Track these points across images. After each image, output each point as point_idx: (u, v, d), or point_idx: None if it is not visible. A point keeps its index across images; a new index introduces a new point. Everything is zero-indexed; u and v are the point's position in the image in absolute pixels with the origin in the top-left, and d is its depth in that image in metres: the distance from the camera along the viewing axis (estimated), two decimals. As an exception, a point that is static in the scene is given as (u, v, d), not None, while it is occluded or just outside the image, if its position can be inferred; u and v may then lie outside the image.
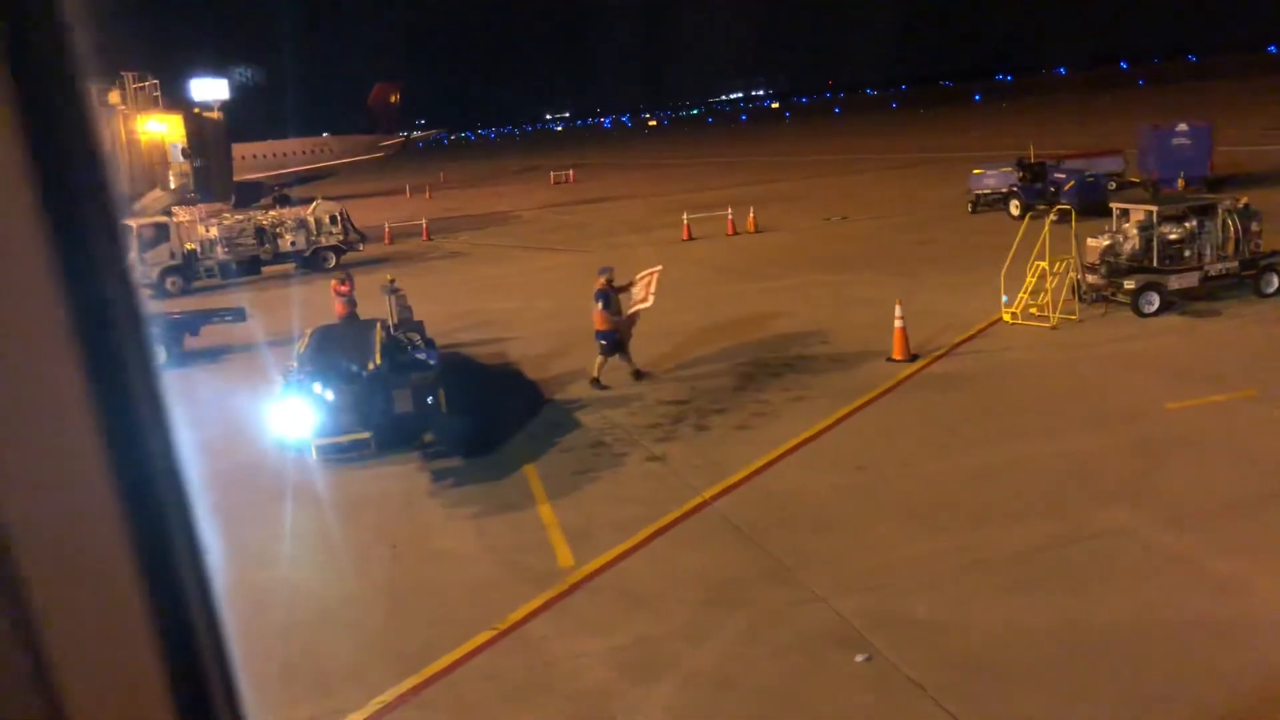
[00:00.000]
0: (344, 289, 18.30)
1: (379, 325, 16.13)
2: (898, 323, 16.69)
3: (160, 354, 21.84)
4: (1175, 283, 18.00)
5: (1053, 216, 26.54)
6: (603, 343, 16.50)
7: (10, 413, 1.00)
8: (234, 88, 46.56)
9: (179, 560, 1.14)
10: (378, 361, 13.36)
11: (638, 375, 16.75)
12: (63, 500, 1.04)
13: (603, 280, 16.50)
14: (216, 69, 46.42)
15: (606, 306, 16.27)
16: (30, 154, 0.99)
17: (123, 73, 40.66)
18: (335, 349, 14.12)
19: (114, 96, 40.74)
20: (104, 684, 1.08)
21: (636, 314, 16.63)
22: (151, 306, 27.87)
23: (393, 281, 16.67)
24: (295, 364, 13.98)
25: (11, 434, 1.00)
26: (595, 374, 16.57)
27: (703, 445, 13.77)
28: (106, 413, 1.06)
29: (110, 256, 1.08)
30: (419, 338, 14.90)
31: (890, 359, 16.63)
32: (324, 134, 76.83)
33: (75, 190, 1.04)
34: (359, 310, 18.26)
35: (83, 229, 1.05)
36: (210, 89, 44.27)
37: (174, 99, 42.72)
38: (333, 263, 35.63)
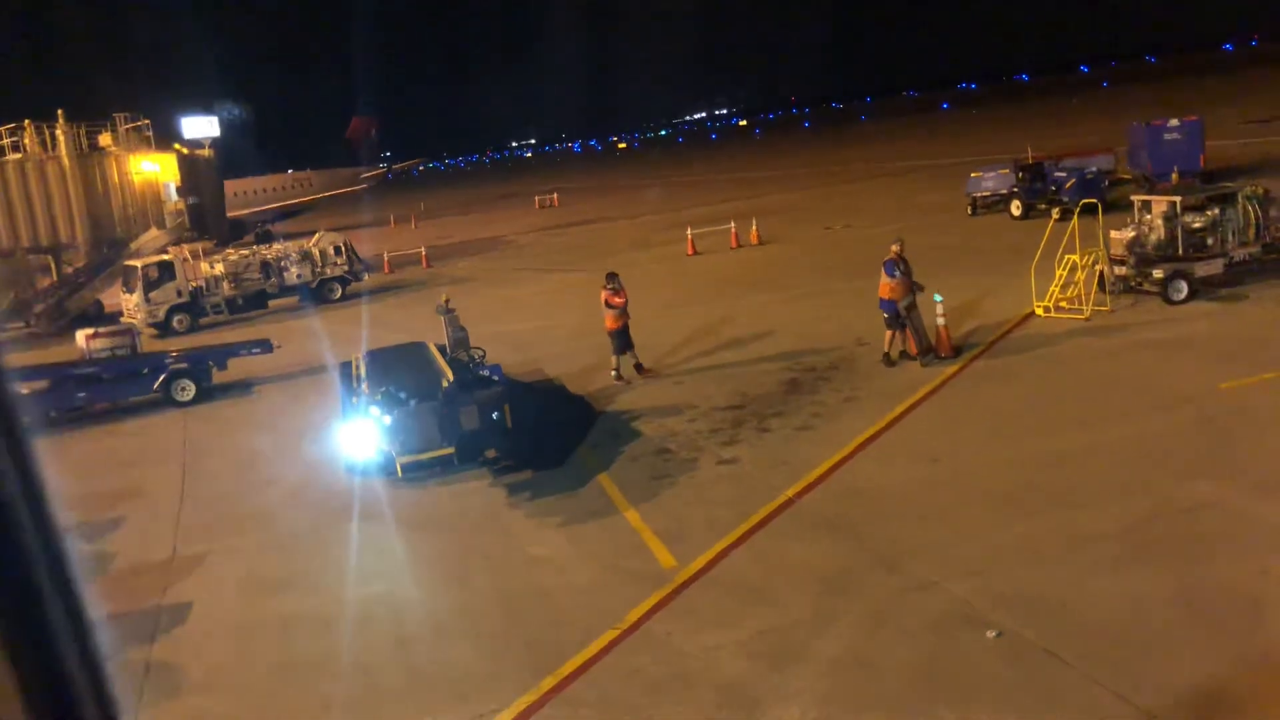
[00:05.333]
0: (618, 300, 17.92)
1: (432, 345, 16.29)
2: (940, 320, 17.01)
3: (189, 389, 21.84)
4: (1201, 270, 18.45)
5: (1056, 215, 27.20)
6: (886, 315, 16.74)
7: None
8: (221, 125, 46.50)
9: (34, 567, 1.11)
10: (450, 378, 13.51)
11: (925, 354, 16.79)
12: None
13: (896, 249, 16.83)
14: (200, 106, 46.44)
15: (892, 275, 16.54)
16: None
17: (114, 114, 40.66)
18: (402, 369, 14.26)
19: (105, 139, 40.75)
20: None
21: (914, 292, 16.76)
22: (176, 343, 27.82)
23: (447, 302, 16.78)
24: (362, 386, 14.09)
25: None
26: (887, 349, 16.85)
27: (770, 446, 13.99)
28: None
29: None
30: (481, 355, 15.05)
31: (936, 356, 16.95)
32: (301, 169, 76.81)
33: None
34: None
35: None
36: (201, 127, 44.29)
37: (163, 138, 42.73)
38: (339, 294, 35.69)
